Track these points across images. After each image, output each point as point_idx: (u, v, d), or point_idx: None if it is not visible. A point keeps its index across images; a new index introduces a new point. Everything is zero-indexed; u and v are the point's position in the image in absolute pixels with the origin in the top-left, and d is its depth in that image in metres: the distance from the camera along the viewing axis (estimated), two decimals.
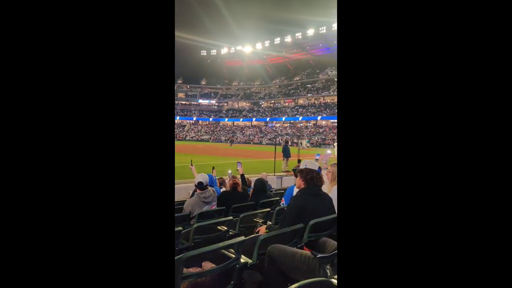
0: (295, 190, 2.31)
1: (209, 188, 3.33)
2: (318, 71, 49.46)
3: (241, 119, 49.51)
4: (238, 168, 4.36)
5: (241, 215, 2.69)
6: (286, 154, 11.38)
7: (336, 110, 37.98)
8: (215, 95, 56.60)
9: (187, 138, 43.41)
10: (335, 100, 42.04)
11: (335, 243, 1.83)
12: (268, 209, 3.04)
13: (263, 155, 18.14)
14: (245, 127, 47.10)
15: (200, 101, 55.21)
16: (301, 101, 47.41)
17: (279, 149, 11.81)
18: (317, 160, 4.26)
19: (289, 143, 13.37)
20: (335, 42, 43.87)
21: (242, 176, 4.22)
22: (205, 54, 57.38)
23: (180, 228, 2.27)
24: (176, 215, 2.97)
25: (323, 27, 43.30)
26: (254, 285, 1.57)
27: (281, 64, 54.47)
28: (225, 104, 55.10)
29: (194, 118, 51.36)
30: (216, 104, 55.38)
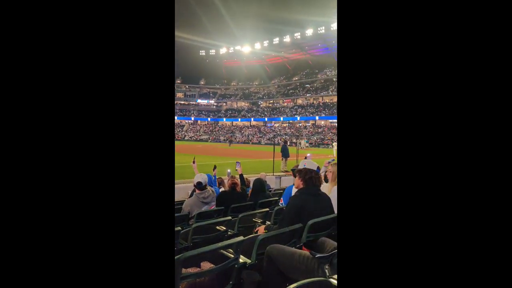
0: (294, 190, 2.31)
1: (208, 188, 3.33)
2: (316, 71, 49.49)
3: (239, 119, 49.51)
4: (237, 168, 4.36)
5: (240, 215, 2.69)
6: (285, 154, 11.39)
7: (334, 110, 38.15)
8: (214, 95, 56.57)
9: (186, 138, 43.37)
10: (334, 100, 42.11)
11: (334, 243, 1.83)
12: (267, 209, 3.04)
13: (262, 155, 18.14)
14: (244, 127, 47.10)
15: (199, 101, 55.17)
16: (299, 101, 47.44)
17: (278, 149, 11.81)
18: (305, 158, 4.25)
19: (288, 143, 13.37)
20: (334, 42, 44.01)
21: (241, 176, 4.21)
22: (204, 54, 57.32)
23: (179, 228, 2.26)
24: (175, 215, 2.96)
25: (321, 27, 43.32)
26: (253, 285, 1.57)
27: (280, 64, 54.47)
28: (224, 104, 55.08)
29: (193, 118, 51.30)
30: (215, 104, 55.36)
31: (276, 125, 44.84)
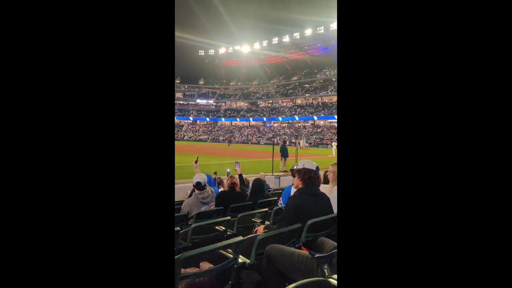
0: (293, 190, 2.31)
1: (207, 188, 3.33)
2: (316, 71, 49.49)
3: (237, 119, 49.49)
4: (236, 168, 4.36)
5: (239, 215, 2.69)
6: (284, 154, 11.39)
7: (333, 110, 38.16)
8: (213, 95, 56.54)
9: (185, 138, 43.34)
10: (333, 100, 42.13)
11: (333, 243, 1.84)
12: (266, 209, 3.04)
13: (261, 155, 18.15)
14: (243, 127, 47.10)
15: (198, 101, 55.14)
16: (299, 101, 47.46)
17: (277, 149, 11.82)
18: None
19: (287, 143, 13.37)
20: (333, 42, 44.03)
21: (240, 176, 4.21)
22: (203, 54, 57.24)
23: (178, 228, 2.26)
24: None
25: (321, 27, 43.32)
26: (252, 285, 1.57)
27: (279, 64, 54.45)
28: (223, 104, 55.06)
29: (191, 118, 51.25)
30: (214, 104, 55.32)
31: (275, 125, 44.85)
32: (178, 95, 54.52)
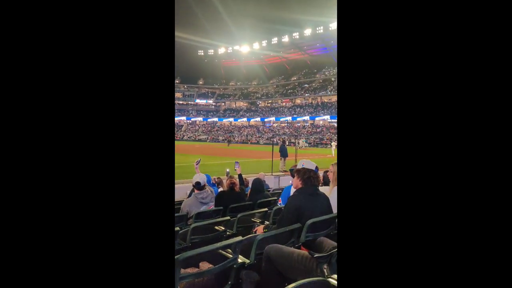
0: (292, 190, 2.32)
1: (207, 188, 3.32)
2: (315, 71, 49.51)
3: (235, 119, 49.46)
4: (236, 168, 4.35)
5: (239, 215, 2.69)
6: (284, 154, 11.39)
7: (333, 110, 38.16)
8: (212, 95, 56.52)
9: (184, 138, 43.32)
10: (332, 99, 42.16)
11: (333, 242, 1.84)
12: (266, 209, 3.04)
13: (261, 155, 18.15)
14: (242, 127, 47.09)
15: (198, 101, 55.11)
16: (298, 101, 47.48)
17: (277, 148, 11.82)
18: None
19: (287, 143, 13.38)
20: (332, 42, 44.04)
21: (240, 176, 4.21)
22: (202, 54, 57.23)
23: (178, 228, 2.26)
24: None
25: (320, 27, 43.34)
26: (251, 285, 1.57)
27: (279, 64, 54.46)
28: (223, 104, 55.04)
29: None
30: (214, 104, 55.30)
31: (275, 124, 44.86)
32: (177, 95, 54.46)
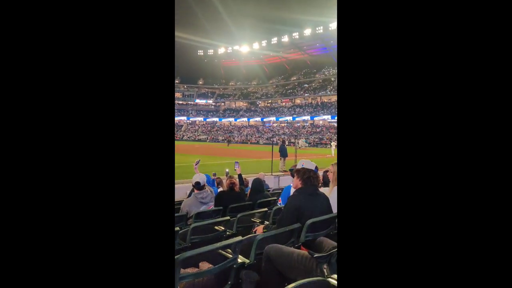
0: (292, 190, 2.32)
1: (207, 188, 3.32)
2: (315, 70, 49.51)
3: (235, 119, 49.47)
4: (235, 168, 4.35)
5: (239, 215, 2.69)
6: (283, 153, 11.39)
7: (333, 110, 38.15)
8: (212, 95, 56.51)
9: (184, 138, 43.31)
10: (332, 99, 42.17)
11: (332, 242, 1.84)
12: (266, 209, 3.04)
13: (261, 155, 18.15)
14: (242, 127, 47.10)
15: (197, 101, 55.11)
16: (298, 101, 47.48)
17: (276, 148, 11.81)
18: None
19: (286, 143, 13.38)
20: (332, 42, 44.03)
21: (240, 176, 4.21)
22: (202, 54, 57.22)
23: (177, 228, 2.26)
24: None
25: (320, 27, 43.34)
26: (251, 285, 1.57)
27: (278, 64, 54.45)
28: (222, 104, 55.04)
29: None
30: (213, 104, 55.30)
31: (275, 124, 44.87)
32: (177, 95, 54.41)
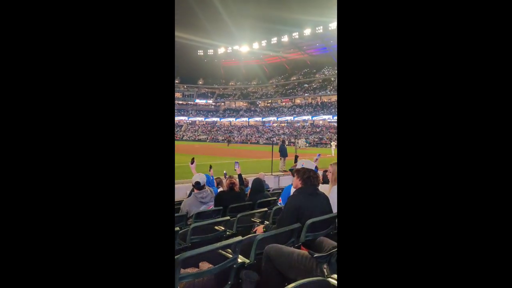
0: (292, 190, 2.32)
1: (207, 188, 3.33)
2: (314, 70, 49.50)
3: (235, 119, 49.48)
4: (235, 168, 4.35)
5: (239, 215, 2.69)
6: (283, 153, 11.39)
7: (333, 110, 38.13)
8: (212, 95, 56.51)
9: (184, 138, 43.32)
10: (332, 99, 42.17)
11: (332, 242, 1.84)
12: (266, 209, 3.04)
13: (261, 155, 18.15)
14: (242, 127, 47.10)
15: (197, 101, 55.11)
16: (298, 101, 47.48)
17: (276, 148, 11.81)
18: (316, 160, 4.27)
19: (286, 143, 13.38)
20: (332, 41, 44.02)
21: (240, 176, 4.21)
22: (202, 54, 57.22)
23: (177, 228, 2.26)
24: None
25: (319, 27, 43.33)
26: (251, 285, 1.57)
27: (278, 64, 54.44)
28: (222, 104, 55.04)
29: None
30: (213, 104, 55.30)
31: (275, 124, 44.87)
32: (177, 95, 54.38)
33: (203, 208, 3.15)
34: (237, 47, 52.77)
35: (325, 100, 43.44)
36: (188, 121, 51.13)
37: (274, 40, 49.01)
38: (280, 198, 3.47)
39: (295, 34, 46.40)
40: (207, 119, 51.34)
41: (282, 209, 2.18)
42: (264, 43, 50.26)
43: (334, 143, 21.92)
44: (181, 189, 6.25)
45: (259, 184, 3.86)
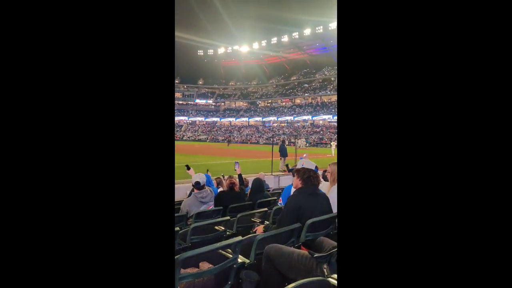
0: (293, 190, 2.32)
1: (206, 188, 3.33)
2: (314, 70, 49.49)
3: (232, 119, 49.47)
4: (235, 168, 4.35)
5: (239, 215, 2.69)
6: (283, 153, 11.39)
7: (333, 110, 38.12)
8: (212, 95, 56.50)
9: (184, 138, 43.32)
10: (332, 99, 42.17)
11: (332, 242, 1.84)
12: (266, 209, 3.04)
13: (261, 155, 18.15)
14: (242, 127, 47.10)
15: (197, 101, 55.11)
16: (298, 101, 47.48)
17: (276, 148, 11.82)
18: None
19: (286, 143, 13.39)
20: (332, 41, 44.02)
21: (240, 176, 4.21)
22: (202, 54, 57.22)
23: (177, 228, 2.26)
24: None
25: (319, 27, 43.33)
26: (251, 285, 1.57)
27: (278, 64, 54.42)
28: (222, 104, 55.04)
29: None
30: (213, 104, 55.30)
31: (275, 124, 44.87)
32: (177, 95, 54.35)
33: (203, 208, 3.15)
34: (237, 47, 52.76)
35: (325, 100, 43.43)
36: (188, 121, 51.14)
37: (274, 40, 49.00)
38: (280, 198, 3.47)
39: (295, 34, 46.39)
40: (207, 119, 51.35)
41: (282, 209, 2.18)
42: (264, 43, 50.25)
43: (334, 143, 21.92)
44: (181, 189, 6.25)
45: (259, 184, 3.86)
